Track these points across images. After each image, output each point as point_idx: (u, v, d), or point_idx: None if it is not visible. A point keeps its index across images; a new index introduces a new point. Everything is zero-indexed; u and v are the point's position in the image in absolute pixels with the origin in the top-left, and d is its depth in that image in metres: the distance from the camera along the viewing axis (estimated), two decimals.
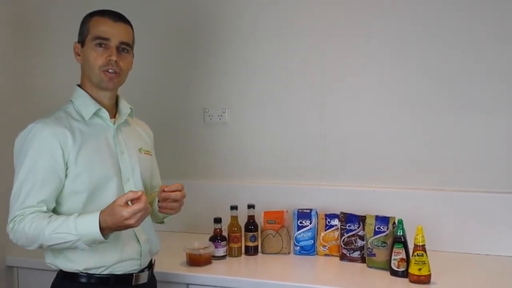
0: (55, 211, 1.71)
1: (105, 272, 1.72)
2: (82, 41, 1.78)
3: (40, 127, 1.68)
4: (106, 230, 1.58)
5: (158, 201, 1.83)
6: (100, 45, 1.74)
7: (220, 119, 2.65)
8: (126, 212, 1.54)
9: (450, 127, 2.32)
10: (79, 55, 1.79)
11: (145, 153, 1.91)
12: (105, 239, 1.59)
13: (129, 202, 1.57)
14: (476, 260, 2.20)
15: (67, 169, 1.68)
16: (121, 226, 1.58)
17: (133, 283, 1.78)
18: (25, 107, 2.48)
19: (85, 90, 1.79)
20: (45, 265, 1.77)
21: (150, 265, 1.88)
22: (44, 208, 1.65)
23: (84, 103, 1.77)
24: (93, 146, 1.73)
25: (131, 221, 1.56)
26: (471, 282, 1.97)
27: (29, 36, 2.57)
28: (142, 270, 1.82)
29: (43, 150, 1.66)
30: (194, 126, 2.70)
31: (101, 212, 1.58)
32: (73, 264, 1.70)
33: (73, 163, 1.68)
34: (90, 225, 1.57)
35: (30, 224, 1.61)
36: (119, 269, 1.74)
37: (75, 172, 1.69)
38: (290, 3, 2.51)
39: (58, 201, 1.70)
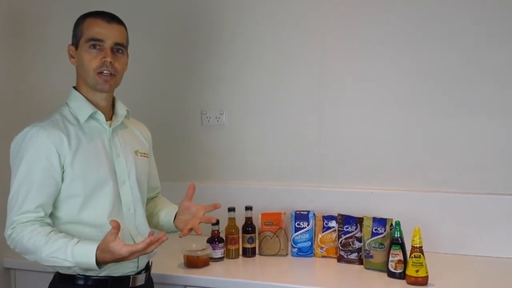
0: (52, 214, 1.70)
1: (102, 274, 1.72)
2: (76, 43, 1.77)
3: (36, 130, 1.67)
4: (102, 263, 1.60)
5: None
6: (94, 46, 1.73)
7: (217, 121, 2.65)
8: (126, 252, 1.56)
9: (448, 129, 2.32)
10: (74, 58, 1.79)
11: (141, 155, 1.90)
12: (99, 268, 1.62)
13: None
14: (474, 262, 2.20)
15: (63, 172, 1.68)
16: (120, 260, 1.61)
17: (130, 285, 1.78)
18: (22, 107, 2.47)
19: (80, 93, 1.79)
20: (43, 267, 1.76)
21: (147, 267, 1.88)
22: (42, 214, 1.65)
23: (80, 106, 1.77)
24: (89, 150, 1.73)
25: (130, 258, 1.60)
26: (469, 283, 1.97)
27: (26, 36, 2.56)
28: (139, 272, 1.82)
29: (39, 154, 1.66)
30: (191, 128, 2.70)
31: (98, 248, 1.58)
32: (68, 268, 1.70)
33: (69, 167, 1.68)
34: (87, 257, 1.59)
35: (28, 238, 1.61)
36: (117, 271, 1.74)
37: (71, 176, 1.68)
38: (288, 6, 2.51)
39: (54, 205, 1.70)
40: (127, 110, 1.87)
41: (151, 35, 2.71)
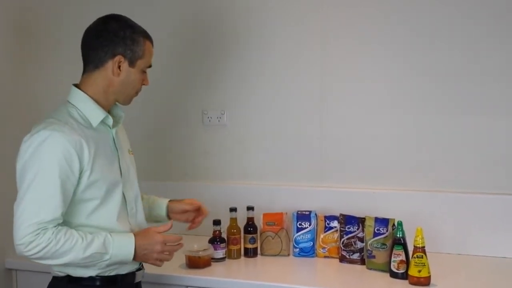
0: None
1: (112, 273, 1.74)
2: (132, 60, 1.75)
3: (57, 136, 1.62)
4: (136, 253, 1.71)
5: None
6: (144, 72, 1.81)
7: (219, 121, 2.65)
8: (160, 238, 1.75)
9: (450, 129, 2.32)
10: (120, 70, 1.74)
11: (131, 153, 1.93)
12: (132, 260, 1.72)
13: None
14: (476, 262, 2.20)
15: (79, 179, 1.66)
16: (145, 255, 1.74)
17: (135, 281, 1.82)
18: (25, 109, 2.47)
19: (86, 93, 1.74)
20: (44, 268, 1.77)
21: (141, 264, 1.89)
22: (61, 221, 1.64)
23: (90, 109, 1.74)
24: (103, 152, 1.73)
25: (159, 250, 1.75)
26: (471, 284, 1.97)
27: (28, 36, 2.56)
28: (139, 269, 1.84)
29: (61, 160, 1.61)
30: (192, 128, 2.70)
31: (135, 234, 1.73)
32: (85, 270, 1.70)
33: (88, 172, 1.66)
34: (126, 247, 1.69)
35: (64, 240, 1.60)
36: (124, 268, 1.76)
37: (90, 180, 1.67)
38: (288, 6, 2.51)
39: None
40: (122, 112, 1.89)
41: (152, 35, 2.69)
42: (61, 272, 1.73)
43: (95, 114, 1.74)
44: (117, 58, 1.73)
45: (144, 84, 1.83)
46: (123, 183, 1.78)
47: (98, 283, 1.72)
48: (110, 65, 1.73)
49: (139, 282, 1.88)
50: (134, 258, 1.72)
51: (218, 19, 2.63)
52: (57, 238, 1.59)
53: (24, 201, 1.60)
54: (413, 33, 2.34)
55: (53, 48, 2.64)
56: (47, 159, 1.61)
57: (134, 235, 1.72)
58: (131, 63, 1.75)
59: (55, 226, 1.61)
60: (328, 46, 2.46)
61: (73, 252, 1.61)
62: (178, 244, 1.81)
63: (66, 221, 1.68)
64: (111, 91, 1.76)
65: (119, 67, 1.74)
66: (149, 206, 2.03)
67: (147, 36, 1.81)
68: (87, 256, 1.63)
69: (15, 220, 1.61)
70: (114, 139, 1.80)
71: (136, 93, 1.83)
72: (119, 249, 1.67)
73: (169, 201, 2.06)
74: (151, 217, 2.02)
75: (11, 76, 2.47)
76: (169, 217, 2.03)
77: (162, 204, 2.04)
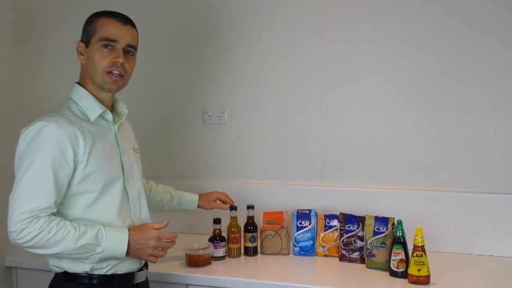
0: (57, 211, 1.69)
1: (109, 272, 1.73)
2: (87, 40, 1.77)
3: (52, 126, 1.64)
4: (129, 247, 1.69)
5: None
6: (106, 46, 1.74)
7: (219, 119, 2.65)
8: (155, 231, 1.74)
9: (450, 128, 2.32)
10: (82, 55, 1.78)
11: (136, 152, 1.94)
12: (124, 255, 1.70)
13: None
14: (476, 261, 2.20)
15: (74, 170, 1.67)
16: (139, 249, 1.72)
17: (134, 282, 1.81)
18: (26, 109, 2.47)
19: (86, 89, 1.78)
20: (44, 266, 1.77)
21: (146, 264, 1.89)
22: (55, 210, 1.65)
23: (89, 104, 1.76)
24: (102, 146, 1.74)
25: (153, 246, 1.74)
26: (471, 282, 1.97)
27: (29, 34, 2.57)
28: (141, 269, 1.84)
29: (55, 150, 1.63)
30: (193, 127, 2.70)
31: (129, 229, 1.72)
32: (80, 265, 1.70)
33: (83, 164, 1.67)
34: (119, 240, 1.67)
35: (56, 230, 1.60)
36: (122, 268, 1.76)
37: (86, 172, 1.68)
38: (290, 6, 2.51)
39: (61, 202, 1.68)
40: (127, 109, 1.90)
41: (153, 34, 2.70)
42: (57, 268, 1.74)
43: (92, 108, 1.76)
44: (76, 45, 1.79)
45: (116, 61, 1.73)
46: (125, 179, 1.79)
47: (95, 281, 1.72)
48: (77, 55, 1.80)
49: (143, 282, 1.87)
50: (128, 253, 1.70)
51: (219, 18, 2.63)
52: (49, 227, 1.59)
53: (18, 189, 1.62)
54: (414, 34, 2.34)
55: (54, 48, 2.64)
56: (41, 149, 1.63)
57: (129, 229, 1.72)
58: (87, 44, 1.77)
59: (48, 215, 1.62)
60: (328, 46, 2.47)
61: (65, 242, 1.61)
62: (171, 241, 1.80)
63: (62, 213, 1.69)
64: (89, 78, 1.78)
65: (81, 53, 1.78)
66: (179, 200, 2.26)
67: (103, 13, 1.78)
68: (79, 247, 1.62)
69: (9, 208, 1.62)
70: (116, 135, 1.81)
71: (109, 73, 1.73)
72: (112, 242, 1.66)
73: (199, 196, 2.29)
74: (180, 209, 2.28)
75: (11, 76, 2.47)
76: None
77: (193, 201, 2.28)
